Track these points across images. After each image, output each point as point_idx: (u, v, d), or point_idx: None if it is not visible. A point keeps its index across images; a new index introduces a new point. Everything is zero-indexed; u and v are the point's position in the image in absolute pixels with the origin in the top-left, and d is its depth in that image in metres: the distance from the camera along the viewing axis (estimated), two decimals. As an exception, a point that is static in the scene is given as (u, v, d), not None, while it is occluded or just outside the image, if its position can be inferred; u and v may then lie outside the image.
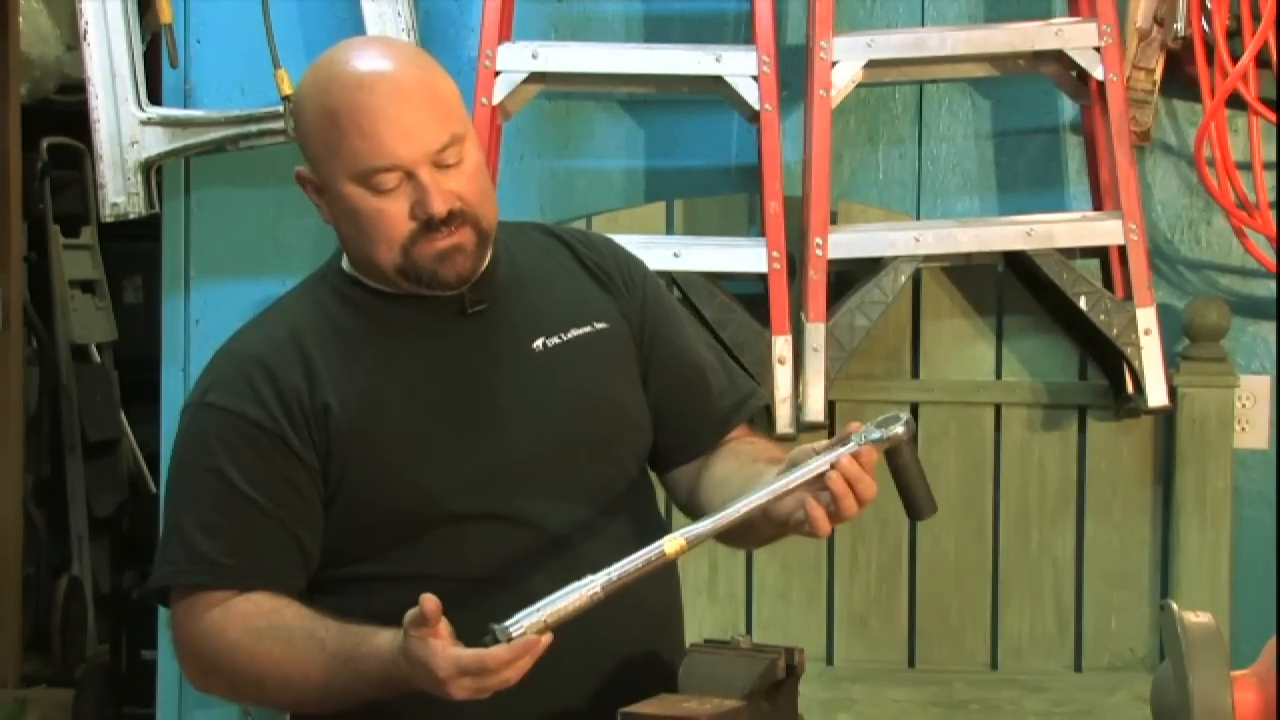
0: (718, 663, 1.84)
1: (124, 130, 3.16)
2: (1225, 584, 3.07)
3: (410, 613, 1.79)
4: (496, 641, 1.77)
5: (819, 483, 1.89)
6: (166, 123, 3.17)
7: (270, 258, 3.30)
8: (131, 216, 3.18)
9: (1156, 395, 2.97)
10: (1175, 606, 1.73)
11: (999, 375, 3.15)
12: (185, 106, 3.24)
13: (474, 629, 1.80)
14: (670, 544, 1.86)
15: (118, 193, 3.17)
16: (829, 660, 3.16)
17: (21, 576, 5.09)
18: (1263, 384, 3.20)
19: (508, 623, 1.78)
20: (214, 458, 1.97)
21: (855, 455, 1.89)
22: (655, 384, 2.15)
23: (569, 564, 1.91)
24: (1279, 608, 2.74)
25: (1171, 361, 3.06)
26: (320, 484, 1.97)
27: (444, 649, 1.78)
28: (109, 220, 3.19)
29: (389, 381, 2.00)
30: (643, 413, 2.13)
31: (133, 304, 5.99)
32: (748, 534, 2.03)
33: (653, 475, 2.21)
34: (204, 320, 3.32)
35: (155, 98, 3.23)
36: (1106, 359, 3.08)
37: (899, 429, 1.91)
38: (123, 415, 5.74)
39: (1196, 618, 1.71)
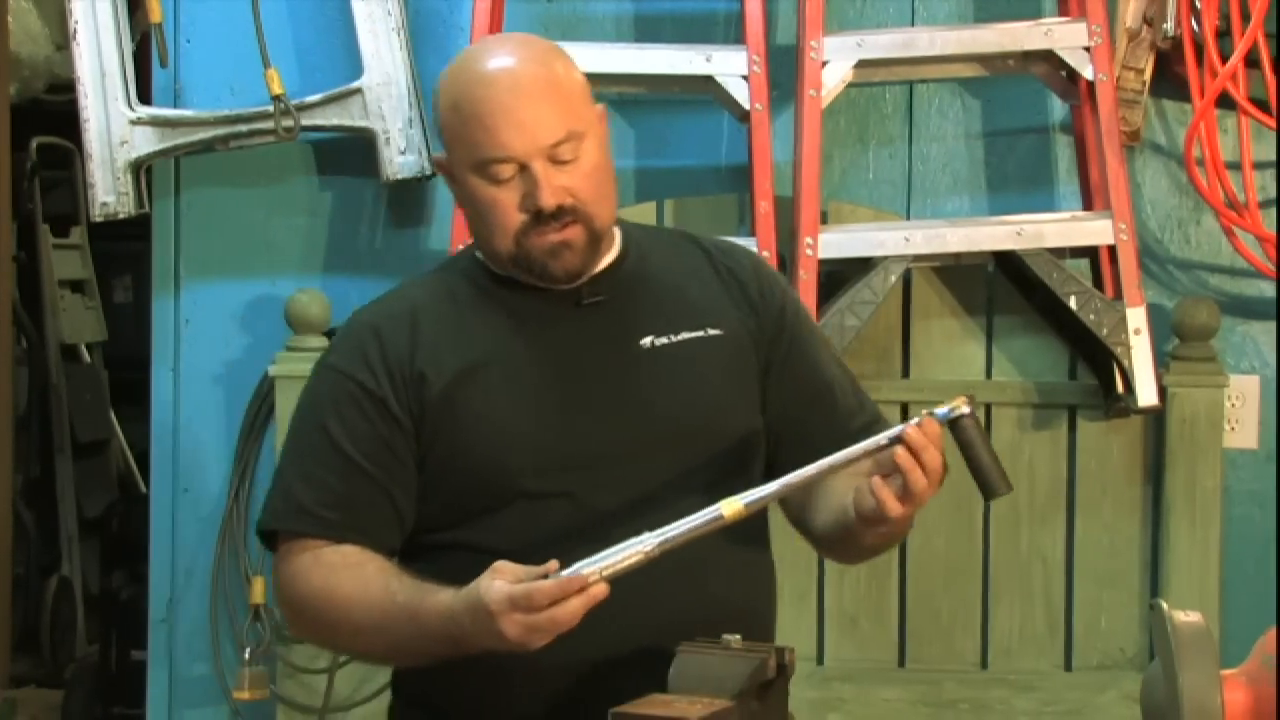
0: (708, 662, 1.84)
1: (114, 130, 3.15)
2: (1215, 583, 3.08)
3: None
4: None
5: (889, 465, 1.92)
6: (156, 122, 3.17)
7: (260, 258, 3.30)
8: (121, 216, 3.18)
9: (1146, 395, 2.98)
10: (1165, 606, 1.73)
11: (989, 375, 3.16)
12: (175, 106, 3.24)
13: None
14: (728, 507, 1.90)
15: (107, 192, 3.16)
16: (819, 660, 3.16)
17: (11, 577, 5.07)
18: (1252, 384, 3.20)
19: (563, 570, 1.84)
20: (323, 415, 2.08)
21: (919, 426, 1.91)
22: (781, 397, 2.16)
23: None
24: (1279, 604, 2.74)
25: (1161, 361, 3.06)
26: (415, 448, 2.06)
27: (495, 582, 1.84)
28: (99, 220, 3.19)
29: (490, 360, 2.06)
30: (746, 422, 2.14)
31: (122, 304, 5.99)
32: (847, 542, 2.08)
33: None
34: (194, 320, 3.32)
35: (145, 97, 3.23)
36: (1096, 358, 3.08)
37: (962, 405, 1.93)
38: (113, 415, 5.73)
39: (1186, 617, 1.71)
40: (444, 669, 2.01)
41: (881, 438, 1.93)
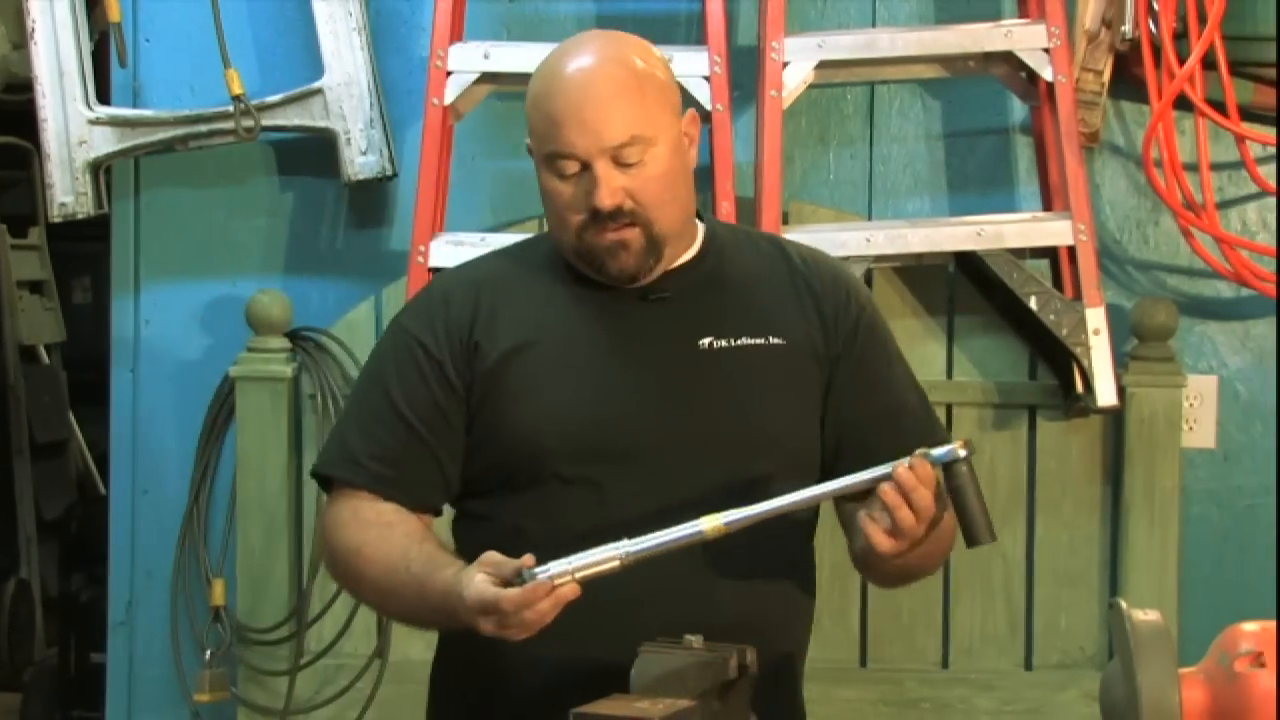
0: (670, 662, 1.84)
1: (72, 130, 3.14)
2: (1173, 582, 3.09)
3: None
4: (523, 584, 1.87)
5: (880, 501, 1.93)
6: (115, 122, 3.15)
7: (220, 258, 3.29)
8: (80, 217, 3.17)
9: (1105, 394, 2.99)
10: (1124, 605, 1.74)
11: (950, 375, 3.16)
12: (134, 106, 3.23)
13: None
14: (708, 524, 1.90)
15: (66, 193, 3.15)
16: (781, 660, 3.16)
17: (-32, 579, 5.04)
18: (1210, 383, 3.22)
19: (536, 568, 1.87)
20: (385, 372, 2.13)
21: (910, 468, 1.91)
22: (846, 414, 2.13)
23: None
24: (1279, 600, 2.75)
25: (1120, 361, 3.08)
26: (465, 414, 2.10)
27: (473, 584, 1.90)
28: (57, 220, 3.17)
29: (544, 339, 2.09)
30: (794, 435, 2.12)
31: (81, 304, 5.95)
32: (874, 570, 2.11)
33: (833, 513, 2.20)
34: (153, 321, 3.30)
35: (104, 97, 3.22)
36: (1056, 358, 3.10)
37: (959, 449, 1.92)
38: (71, 416, 5.70)
39: (1144, 616, 1.72)
40: (459, 667, 2.10)
41: (875, 472, 1.93)
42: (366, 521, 2.09)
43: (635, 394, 2.07)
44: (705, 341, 2.09)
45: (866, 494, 1.99)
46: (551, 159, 2.04)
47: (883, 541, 1.93)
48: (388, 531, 2.07)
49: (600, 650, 1.95)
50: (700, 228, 2.15)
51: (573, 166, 2.03)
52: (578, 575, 1.87)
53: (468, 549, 2.02)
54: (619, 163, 2.02)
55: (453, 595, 1.94)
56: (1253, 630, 1.70)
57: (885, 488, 1.91)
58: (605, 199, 2.01)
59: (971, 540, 1.94)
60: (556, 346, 2.09)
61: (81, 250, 5.63)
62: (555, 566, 1.87)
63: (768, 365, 2.10)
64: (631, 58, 2.07)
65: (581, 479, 2.05)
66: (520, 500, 2.08)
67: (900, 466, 1.91)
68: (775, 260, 2.18)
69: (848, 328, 2.14)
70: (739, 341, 2.10)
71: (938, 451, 1.92)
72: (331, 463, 2.16)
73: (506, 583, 1.88)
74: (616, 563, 1.88)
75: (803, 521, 2.16)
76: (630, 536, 1.91)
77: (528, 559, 1.88)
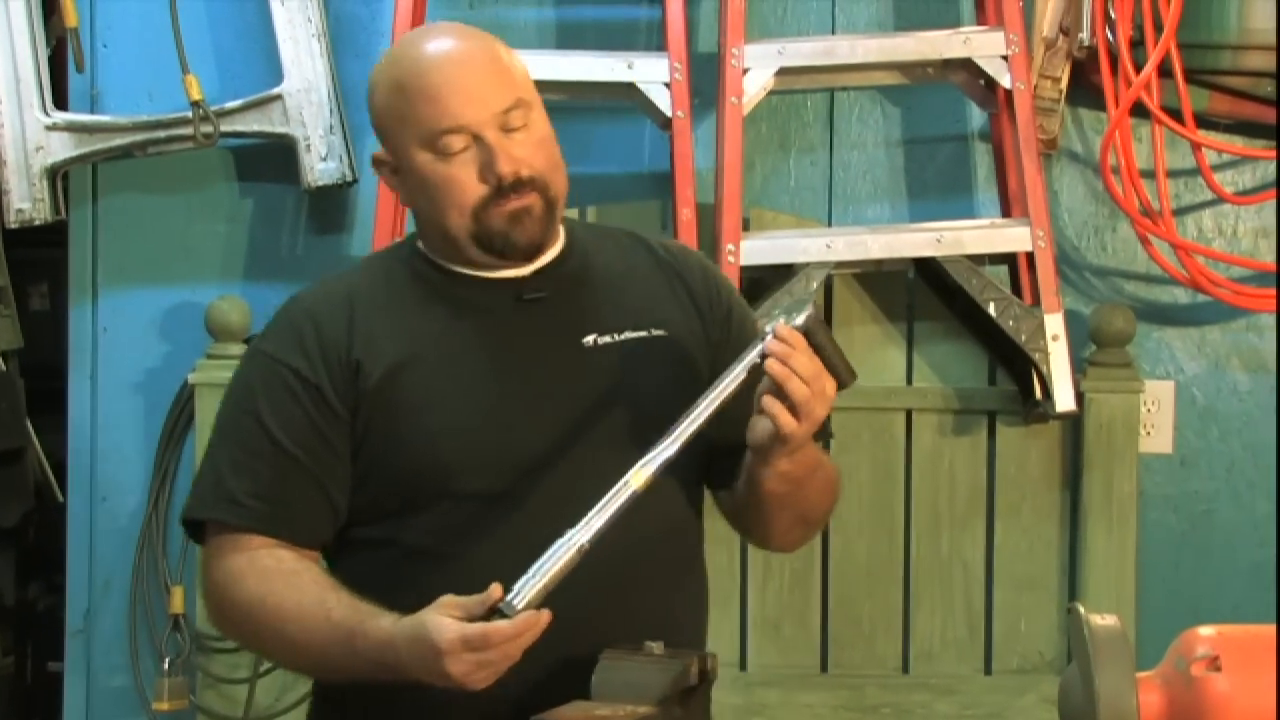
0: (631, 669, 1.84)
1: (29, 135, 3.12)
2: (1130, 586, 3.11)
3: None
4: (504, 617, 1.79)
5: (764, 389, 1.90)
6: (73, 128, 3.14)
7: (179, 264, 3.27)
8: (37, 223, 3.16)
9: (1064, 400, 3.01)
10: (1082, 609, 1.75)
11: (909, 381, 3.18)
12: (92, 112, 3.22)
13: None
14: (636, 477, 1.87)
15: (23, 199, 3.13)
16: (742, 665, 3.17)
17: (-76, 588, 5.00)
18: (1167, 389, 3.25)
19: (510, 597, 1.79)
20: (255, 402, 2.01)
21: (776, 337, 1.90)
22: (729, 396, 2.07)
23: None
24: (1279, 605, 2.76)
25: (1078, 367, 3.10)
26: (349, 439, 2.00)
27: (445, 620, 1.80)
28: (14, 227, 3.16)
29: (426, 352, 2.02)
30: None
31: (39, 311, 5.90)
32: (761, 506, 2.04)
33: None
34: (112, 328, 3.29)
35: (61, 103, 3.20)
36: (1015, 364, 3.11)
37: (809, 309, 1.93)
38: (29, 424, 5.66)
39: (1102, 620, 1.73)
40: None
41: (753, 355, 1.91)
42: (267, 570, 1.97)
43: (529, 399, 2.02)
44: (589, 339, 2.05)
45: (737, 452, 2.01)
46: (434, 139, 1.97)
47: (789, 422, 1.90)
48: (295, 580, 1.96)
49: (522, 668, 1.86)
50: (560, 225, 2.11)
51: (460, 142, 1.97)
52: (548, 582, 1.81)
53: (360, 580, 1.95)
54: (506, 130, 1.98)
55: (396, 646, 1.84)
56: (1209, 634, 1.70)
57: (771, 362, 1.89)
58: (506, 165, 1.96)
59: (841, 383, 1.96)
60: (440, 359, 2.02)
61: (39, 256, 5.57)
62: (524, 588, 1.80)
63: (653, 357, 2.07)
64: (482, 36, 2.06)
65: (483, 492, 1.99)
66: (418, 521, 1.99)
67: (770, 342, 1.90)
68: (639, 253, 2.16)
69: (721, 313, 2.15)
70: (622, 336, 2.07)
71: (799, 320, 1.92)
72: (206, 505, 2.02)
73: (479, 619, 1.81)
74: (576, 552, 1.82)
75: (675, 509, 2.11)
76: (537, 546, 1.85)
77: (495, 589, 1.81)
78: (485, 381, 2.02)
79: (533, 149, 1.99)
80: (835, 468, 2.14)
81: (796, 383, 1.90)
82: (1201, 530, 3.26)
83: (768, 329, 1.92)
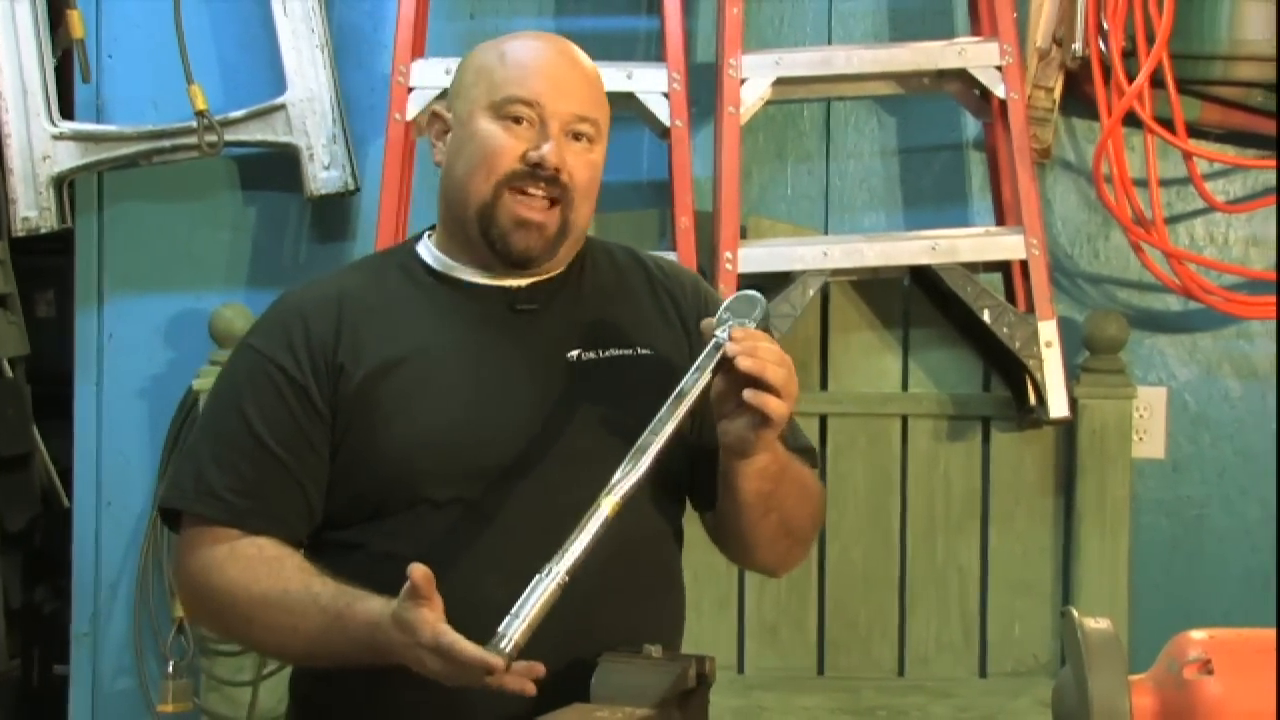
0: (629, 672, 1.85)
1: (36, 145, 3.15)
2: (1123, 590, 3.13)
3: (406, 585, 1.79)
4: (500, 652, 1.75)
5: (739, 387, 1.89)
6: (79, 137, 3.16)
7: (184, 272, 3.29)
8: (43, 231, 3.18)
9: (1058, 406, 3.02)
10: (1075, 613, 1.76)
11: (905, 387, 3.20)
12: (98, 121, 3.24)
13: None
14: (608, 503, 1.83)
15: (29, 207, 3.15)
16: (740, 668, 3.19)
17: (-70, 592, 5.01)
18: (1159, 395, 3.27)
19: (497, 640, 1.75)
20: (240, 397, 2.01)
21: (731, 337, 1.89)
22: (709, 419, 2.04)
23: (532, 573, 1.83)
24: (1278, 609, 2.78)
25: (1072, 373, 3.12)
26: (329, 439, 1.99)
27: (433, 619, 1.78)
28: (20, 235, 3.18)
29: (411, 357, 2.00)
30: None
31: (45, 318, 5.91)
32: (747, 531, 2.03)
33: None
34: (117, 334, 3.31)
35: (67, 112, 3.22)
36: (1009, 371, 3.13)
37: (758, 310, 1.94)
38: (35, 430, 5.67)
39: (1095, 624, 1.73)
40: (345, 681, 1.96)
41: (713, 354, 1.90)
42: (249, 558, 1.96)
43: (506, 411, 2.01)
44: (574, 354, 2.05)
45: (711, 472, 1.99)
46: (503, 105, 1.98)
47: (777, 406, 1.89)
48: (278, 566, 1.94)
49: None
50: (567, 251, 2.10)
51: (526, 116, 1.98)
52: (532, 619, 1.75)
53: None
54: (572, 135, 2.00)
55: (385, 628, 1.82)
56: (1200, 638, 1.71)
57: (741, 360, 1.87)
58: (553, 156, 1.98)
59: None
60: (424, 364, 2.00)
61: (45, 264, 5.59)
62: (510, 630, 1.74)
63: (636, 376, 2.05)
64: (596, 65, 2.09)
65: (455, 500, 1.97)
66: (391, 526, 1.98)
67: (728, 344, 1.88)
68: (634, 271, 2.16)
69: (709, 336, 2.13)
70: (607, 354, 2.06)
71: (750, 320, 1.92)
72: (185, 497, 2.00)
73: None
74: (557, 587, 1.76)
75: (651, 531, 2.09)
76: (507, 557, 1.85)
77: (415, 569, 1.76)
78: (465, 390, 2.01)
79: (582, 166, 2.01)
80: (820, 485, 2.11)
81: (773, 368, 1.89)
82: (1193, 535, 3.28)
83: (719, 334, 1.91)
